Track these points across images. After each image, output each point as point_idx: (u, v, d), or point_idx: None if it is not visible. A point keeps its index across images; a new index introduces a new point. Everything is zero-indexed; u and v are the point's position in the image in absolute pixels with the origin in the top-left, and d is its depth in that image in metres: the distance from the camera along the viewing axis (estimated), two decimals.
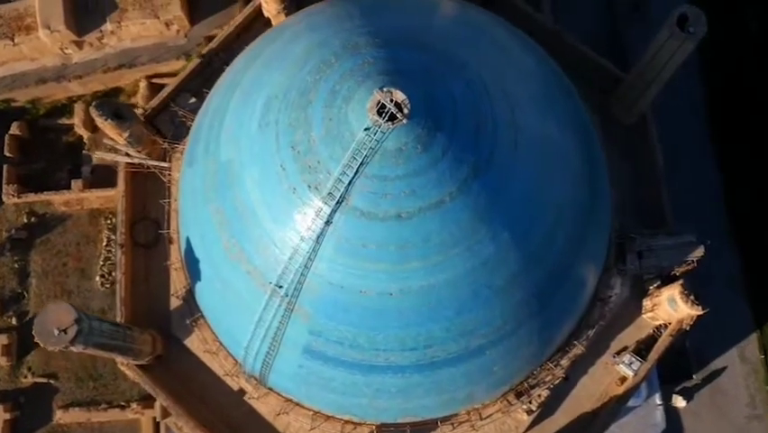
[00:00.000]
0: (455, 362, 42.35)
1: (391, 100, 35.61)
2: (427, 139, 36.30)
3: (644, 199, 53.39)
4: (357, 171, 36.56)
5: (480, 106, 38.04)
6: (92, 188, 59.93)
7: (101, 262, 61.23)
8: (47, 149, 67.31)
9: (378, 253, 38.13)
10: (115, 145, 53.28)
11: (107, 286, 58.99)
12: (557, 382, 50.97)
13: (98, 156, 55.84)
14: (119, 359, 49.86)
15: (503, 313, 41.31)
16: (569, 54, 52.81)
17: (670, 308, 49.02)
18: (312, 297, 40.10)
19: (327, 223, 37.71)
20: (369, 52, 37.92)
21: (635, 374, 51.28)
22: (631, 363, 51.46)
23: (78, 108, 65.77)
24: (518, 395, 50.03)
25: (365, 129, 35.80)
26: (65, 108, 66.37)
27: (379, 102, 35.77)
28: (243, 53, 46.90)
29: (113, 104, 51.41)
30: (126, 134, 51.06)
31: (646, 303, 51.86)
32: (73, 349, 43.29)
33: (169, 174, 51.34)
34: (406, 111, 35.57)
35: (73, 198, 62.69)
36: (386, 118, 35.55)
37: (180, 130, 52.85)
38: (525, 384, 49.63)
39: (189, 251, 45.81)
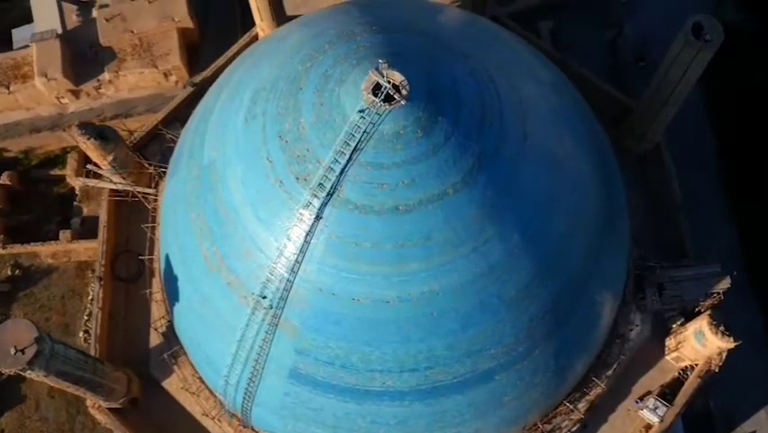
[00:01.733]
0: (461, 388, 36.39)
1: (389, 82, 30.96)
2: (428, 123, 31.65)
3: (660, 231, 48.24)
4: (350, 159, 31.73)
5: (485, 95, 33.60)
6: (81, 240, 55.64)
7: (85, 318, 56.52)
8: (37, 200, 63.91)
9: (373, 252, 32.84)
10: (99, 171, 48.49)
11: (90, 342, 53.00)
12: (574, 428, 44.41)
13: (81, 183, 50.86)
14: (89, 399, 43.65)
15: (514, 330, 35.60)
16: (575, 85, 48.49)
17: (697, 342, 43.15)
18: (299, 308, 34.57)
19: (317, 218, 32.64)
20: (365, 38, 33.84)
21: (662, 420, 44.82)
22: (656, 408, 45.20)
23: (71, 158, 62.23)
24: None
25: (359, 111, 31.21)
26: (58, 159, 63.11)
27: (375, 82, 31.03)
28: (235, 59, 42.73)
29: (97, 126, 47.06)
30: (110, 158, 46.74)
31: (670, 342, 45.94)
32: (33, 376, 37.28)
33: (155, 201, 46.34)
34: (404, 92, 30.94)
35: (60, 250, 58.24)
36: (382, 98, 30.77)
37: (168, 158, 48.15)
38: (539, 428, 43.04)
39: (168, 269, 40.49)
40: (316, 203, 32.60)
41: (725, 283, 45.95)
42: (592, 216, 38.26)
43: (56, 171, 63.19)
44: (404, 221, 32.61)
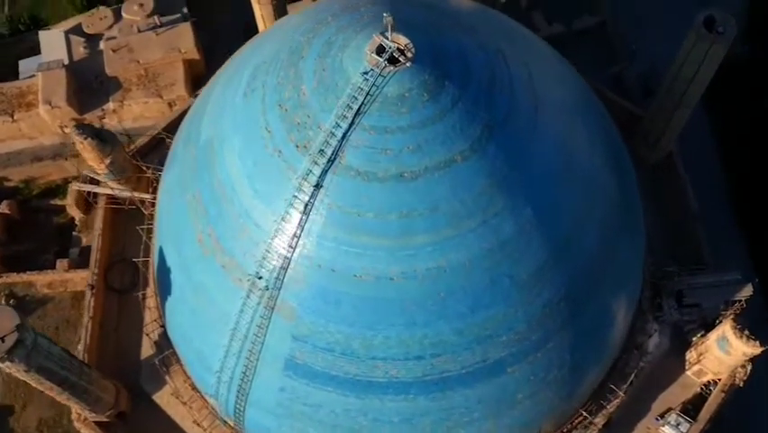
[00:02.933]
0: (470, 380, 33.20)
1: (394, 44, 29.07)
2: (435, 87, 29.66)
3: (675, 242, 45.39)
4: (352, 123, 29.59)
5: (494, 64, 31.76)
6: (78, 269, 52.25)
7: (79, 348, 52.86)
8: (35, 230, 61.62)
9: (376, 223, 30.31)
10: (96, 177, 46.41)
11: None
12: None
13: (76, 188, 48.58)
14: (74, 410, 40.30)
15: (527, 316, 32.69)
16: None
17: (720, 350, 39.97)
18: (297, 287, 31.84)
19: (317, 187, 30.25)
20: (369, 9, 32.06)
21: None
22: (678, 424, 41.75)
23: (73, 188, 60.06)
24: None
25: (363, 73, 29.14)
26: (59, 189, 61.04)
27: (380, 45, 29.15)
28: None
29: (95, 127, 45.20)
30: (108, 161, 44.50)
31: (690, 355, 42.74)
32: (11, 370, 34.22)
33: (152, 207, 43.99)
34: (409, 54, 29.05)
35: (57, 280, 55.67)
36: (386, 59, 28.77)
37: None
38: None
39: (161, 261, 37.96)
40: (317, 171, 30.24)
41: (746, 291, 42.86)
42: (606, 204, 35.83)
43: (56, 201, 61.19)
44: (409, 189, 30.15)
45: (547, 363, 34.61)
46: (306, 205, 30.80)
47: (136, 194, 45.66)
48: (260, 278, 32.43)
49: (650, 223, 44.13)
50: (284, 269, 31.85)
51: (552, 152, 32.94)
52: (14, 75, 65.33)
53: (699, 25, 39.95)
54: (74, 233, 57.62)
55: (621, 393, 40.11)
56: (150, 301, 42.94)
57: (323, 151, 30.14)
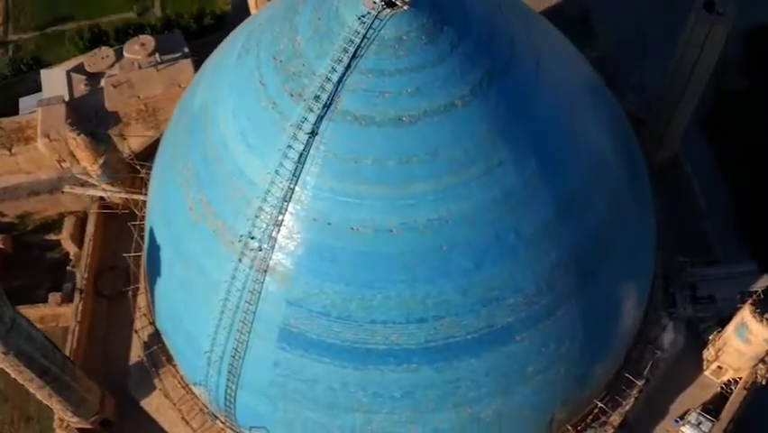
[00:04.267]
0: (476, 348, 30.69)
1: None
2: (433, 30, 28.61)
3: (685, 240, 43.26)
4: (348, 66, 28.33)
5: (494, 18, 30.91)
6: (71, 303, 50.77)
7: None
8: (29, 265, 59.69)
9: (374, 170, 28.56)
10: (89, 179, 44.90)
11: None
12: None
13: (69, 191, 46.91)
14: (57, 408, 37.48)
15: (535, 277, 30.45)
16: None
17: (740, 340, 37.46)
18: (291, 245, 29.90)
19: (312, 134, 28.68)
20: None
21: None
22: (700, 424, 38.77)
23: (68, 222, 58.71)
24: None
25: (359, 17, 27.99)
26: (54, 225, 59.21)
27: None
28: None
29: (88, 126, 43.97)
30: (101, 161, 43.04)
31: (708, 353, 40.18)
32: None
33: (146, 209, 42.25)
34: None
35: (49, 314, 53.47)
36: (384, 1, 27.77)
37: None
38: None
39: (151, 240, 35.88)
40: (312, 117, 28.70)
41: (763, 281, 40.49)
42: (613, 171, 34.20)
43: (51, 237, 59.48)
44: (408, 133, 28.53)
45: (558, 334, 32.08)
46: (301, 155, 29.09)
47: (130, 194, 43.74)
48: (253, 238, 30.42)
49: (659, 222, 42.11)
50: (277, 225, 29.86)
51: (555, 108, 31.45)
52: (15, 113, 64.74)
53: (699, 7, 39.08)
54: (68, 267, 55.58)
55: (637, 387, 36.98)
56: (141, 301, 40.54)
57: (318, 97, 28.66)
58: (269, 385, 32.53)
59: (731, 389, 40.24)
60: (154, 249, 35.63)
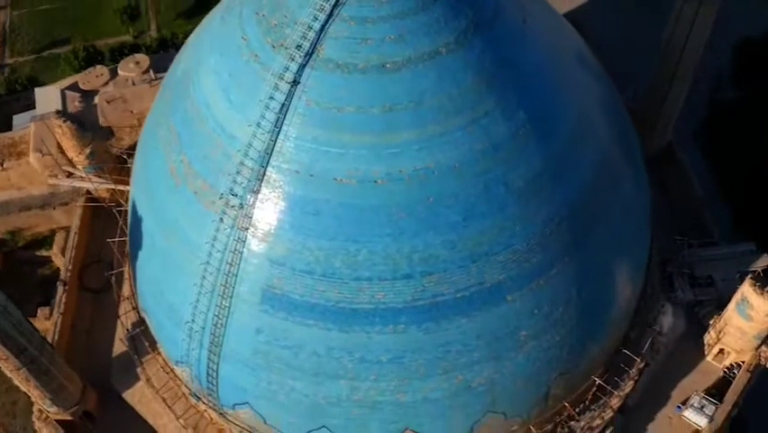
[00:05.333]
0: (466, 307, 29.27)
1: None
2: None
3: (682, 227, 42.04)
4: (331, 14, 27.78)
5: None
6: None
7: None
8: (19, 282, 58.52)
9: (358, 118, 27.67)
10: (75, 171, 43.98)
11: None
12: (608, 432, 35.95)
13: (55, 182, 45.90)
14: (35, 396, 35.81)
15: (525, 233, 29.25)
16: None
17: (741, 316, 36.07)
18: (273, 200, 28.91)
19: (294, 84, 27.90)
20: None
21: (711, 420, 36.17)
22: (703, 407, 36.96)
23: (59, 238, 57.77)
24: None
25: None
26: (45, 241, 58.29)
27: None
28: None
29: (75, 116, 43.24)
30: (87, 151, 42.20)
31: (709, 337, 38.81)
32: None
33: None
34: None
35: (38, 328, 51.69)
36: None
37: None
38: (566, 428, 34.81)
39: (134, 213, 34.81)
40: (294, 67, 27.93)
41: (762, 261, 39.13)
42: (603, 132, 33.17)
43: (42, 252, 58.44)
44: (392, 80, 27.72)
45: (551, 297, 30.65)
46: (283, 105, 28.21)
47: (116, 186, 42.72)
48: (235, 195, 29.29)
49: (655, 208, 41.00)
50: (259, 180, 28.77)
51: (542, 62, 30.73)
52: (9, 130, 64.18)
53: None
54: (57, 282, 54.28)
55: (635, 367, 35.36)
56: (126, 289, 39.18)
57: (300, 45, 27.91)
58: (252, 354, 30.96)
59: (734, 373, 38.48)
60: (136, 222, 34.53)
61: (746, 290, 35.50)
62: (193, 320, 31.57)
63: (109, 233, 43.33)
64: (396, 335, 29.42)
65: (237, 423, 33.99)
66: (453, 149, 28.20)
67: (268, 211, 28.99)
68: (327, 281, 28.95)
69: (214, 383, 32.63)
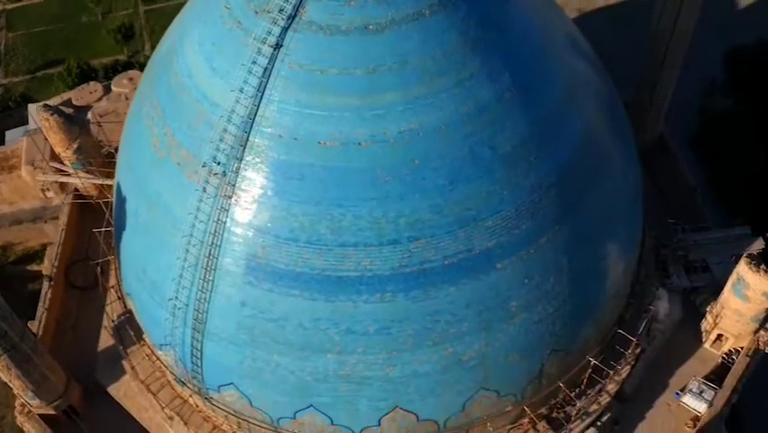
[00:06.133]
0: (454, 274, 28.54)
1: None
2: None
3: (676, 217, 41.43)
4: None
5: None
6: None
7: None
8: (9, 297, 57.49)
9: (341, 80, 27.33)
10: (63, 168, 43.62)
11: None
12: (604, 418, 35.02)
13: (41, 179, 45.43)
14: (17, 386, 34.92)
15: (514, 198, 28.72)
16: None
17: (738, 297, 35.38)
18: (257, 167, 28.47)
19: (276, 47, 27.65)
20: None
21: (710, 405, 35.20)
22: (702, 392, 35.85)
23: (50, 252, 57.17)
24: (554, 426, 33.93)
25: None
26: (36, 255, 57.90)
27: None
28: None
29: (63, 110, 43.06)
30: (75, 145, 41.89)
31: (706, 323, 38.10)
32: None
33: None
34: None
35: None
36: None
37: None
38: (562, 412, 33.86)
39: (118, 193, 34.23)
40: (276, 30, 27.72)
41: (758, 245, 38.46)
42: (592, 103, 32.85)
43: (32, 267, 57.92)
44: (375, 42, 27.46)
45: (541, 266, 29.91)
46: (266, 69, 27.88)
47: (104, 181, 42.27)
48: (218, 163, 28.78)
49: (648, 199, 40.51)
50: (242, 146, 28.30)
51: (528, 27, 30.56)
52: (1, 145, 64.16)
53: None
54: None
55: (631, 348, 34.48)
56: (112, 280, 38.51)
57: (282, 9, 27.72)
58: (237, 330, 30.13)
59: (733, 359, 37.56)
60: (120, 202, 33.94)
61: (742, 268, 34.78)
62: (176, 297, 30.78)
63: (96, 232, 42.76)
64: (383, 304, 28.62)
65: (223, 408, 32.94)
66: (438, 111, 27.76)
67: (251, 178, 28.46)
68: (312, 249, 28.26)
69: (199, 364, 31.72)
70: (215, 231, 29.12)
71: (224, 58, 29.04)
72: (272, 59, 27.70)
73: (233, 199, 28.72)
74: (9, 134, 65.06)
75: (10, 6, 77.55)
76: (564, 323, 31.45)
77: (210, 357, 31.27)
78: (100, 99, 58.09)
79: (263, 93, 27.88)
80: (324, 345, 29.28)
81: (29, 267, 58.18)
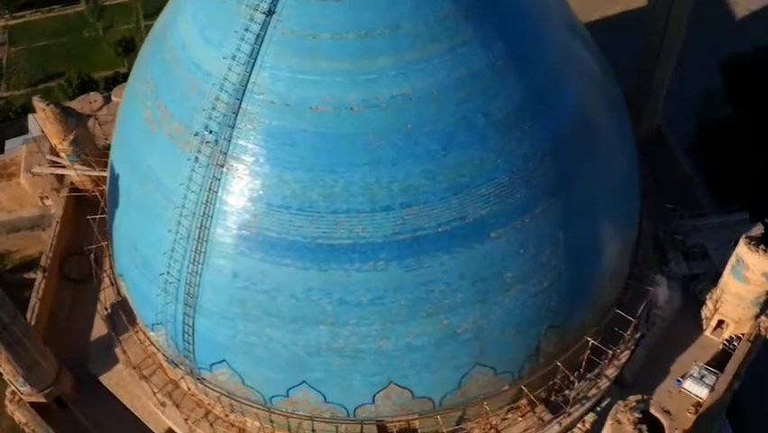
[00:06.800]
0: (448, 242, 28.21)
1: None
2: None
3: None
4: None
5: None
6: None
7: None
8: None
9: (333, 44, 27.26)
10: (59, 160, 43.52)
11: None
12: (604, 402, 34.41)
13: (38, 171, 45.30)
14: (6, 371, 34.44)
15: (508, 166, 28.49)
16: None
17: (737, 279, 34.96)
18: (248, 134, 28.37)
19: (269, 14, 27.68)
20: None
21: (712, 389, 34.57)
22: (703, 377, 35.24)
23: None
24: (553, 409, 33.33)
25: None
26: (34, 263, 57.44)
27: None
28: None
29: (59, 103, 43.14)
30: (71, 137, 41.84)
31: (706, 309, 37.62)
32: None
33: None
34: None
35: None
36: None
37: None
38: (560, 396, 33.30)
39: (111, 174, 33.98)
40: None
41: (756, 230, 38.08)
42: (585, 75, 32.60)
43: (30, 275, 57.45)
44: (367, 6, 27.43)
45: (537, 237, 29.53)
46: (258, 35, 27.84)
47: (101, 173, 42.09)
48: (210, 131, 28.59)
49: (646, 192, 40.29)
50: (234, 113, 28.16)
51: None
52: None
53: None
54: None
55: (631, 328, 33.97)
56: (106, 265, 38.18)
57: None
58: (229, 303, 29.70)
59: (734, 345, 36.94)
60: (113, 181, 33.73)
61: (741, 249, 34.37)
62: (168, 272, 30.40)
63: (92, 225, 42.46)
64: (376, 272, 28.20)
65: (215, 389, 32.34)
66: (431, 76, 27.63)
67: (243, 145, 28.29)
68: (304, 216, 27.95)
69: (191, 342, 31.20)
70: (207, 200, 28.85)
71: (216, 27, 29.01)
72: (264, 26, 27.65)
73: (225, 168, 28.49)
74: (9, 143, 65.25)
75: (12, 22, 78.20)
76: (561, 298, 30.95)
77: (202, 333, 30.78)
78: (100, 109, 58.09)
79: (255, 60, 27.80)
80: (316, 317, 28.79)
81: (26, 275, 57.61)
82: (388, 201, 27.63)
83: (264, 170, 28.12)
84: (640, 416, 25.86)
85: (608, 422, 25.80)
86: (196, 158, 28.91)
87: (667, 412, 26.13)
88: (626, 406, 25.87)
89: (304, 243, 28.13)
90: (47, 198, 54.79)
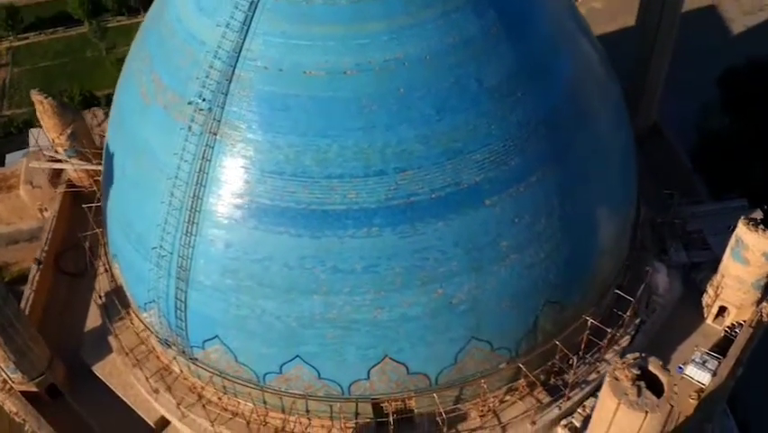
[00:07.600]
0: (442, 209, 27.90)
1: None
2: None
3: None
4: None
5: None
6: None
7: None
8: None
9: (325, 9, 27.37)
10: (57, 156, 43.50)
11: None
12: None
13: (35, 166, 45.17)
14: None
15: (502, 132, 28.37)
16: None
17: (737, 261, 34.50)
18: (241, 100, 28.31)
19: None
20: None
21: (714, 374, 33.91)
22: (705, 362, 34.64)
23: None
24: (551, 392, 32.74)
25: None
26: None
27: None
28: None
29: (56, 97, 43.25)
30: (69, 131, 41.89)
31: (707, 297, 37.09)
32: None
33: None
34: None
35: None
36: None
37: None
38: (560, 379, 32.76)
39: (107, 153, 33.91)
40: None
41: (757, 215, 37.73)
42: (579, 48, 32.68)
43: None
44: None
45: (532, 205, 29.20)
46: (252, 2, 27.93)
47: (98, 167, 42.01)
48: (203, 99, 28.53)
49: (645, 184, 40.10)
50: (227, 80, 28.11)
51: None
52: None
53: None
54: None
55: (630, 309, 33.47)
56: (101, 251, 37.91)
57: None
58: (222, 275, 29.30)
59: (736, 332, 36.29)
60: (108, 158, 33.56)
61: (740, 230, 33.98)
62: (161, 245, 30.06)
63: (88, 221, 42.22)
64: (370, 239, 27.82)
65: (208, 369, 31.72)
66: (423, 40, 27.62)
67: (236, 111, 28.18)
68: (297, 181, 27.69)
69: (183, 318, 30.72)
70: (201, 169, 28.66)
71: None
72: None
73: (218, 135, 28.37)
74: (9, 157, 65.46)
75: (17, 43, 78.97)
76: (558, 271, 30.50)
77: (194, 309, 30.33)
78: (101, 125, 58.17)
79: (249, 26, 27.80)
80: (309, 286, 28.34)
81: (23, 288, 57.07)
82: (382, 165, 27.38)
83: (257, 137, 27.96)
84: (638, 373, 25.02)
85: (606, 380, 25.07)
86: (190, 127, 28.77)
87: (666, 370, 25.26)
88: (623, 363, 25.14)
89: (297, 209, 27.82)
90: (46, 210, 54.49)
